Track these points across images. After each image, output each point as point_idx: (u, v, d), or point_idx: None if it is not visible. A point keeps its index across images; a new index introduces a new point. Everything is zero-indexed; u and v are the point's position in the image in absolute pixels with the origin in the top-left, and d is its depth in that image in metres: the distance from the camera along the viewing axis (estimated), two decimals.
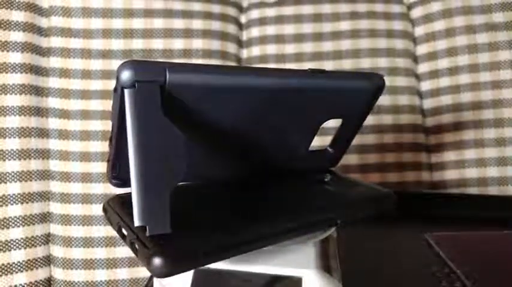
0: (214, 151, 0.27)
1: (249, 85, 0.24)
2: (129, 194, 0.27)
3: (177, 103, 0.22)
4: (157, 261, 0.19)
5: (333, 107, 0.29)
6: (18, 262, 0.51)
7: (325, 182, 0.32)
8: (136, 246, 0.21)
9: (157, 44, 0.58)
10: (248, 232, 0.23)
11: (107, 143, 0.55)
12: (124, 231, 0.23)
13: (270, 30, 0.61)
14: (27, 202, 0.52)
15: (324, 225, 0.27)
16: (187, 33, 0.59)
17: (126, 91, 0.20)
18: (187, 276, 0.25)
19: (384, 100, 0.60)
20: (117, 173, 0.25)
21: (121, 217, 0.24)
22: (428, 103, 0.61)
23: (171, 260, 0.20)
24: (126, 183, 0.26)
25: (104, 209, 0.26)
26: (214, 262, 0.22)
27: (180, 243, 0.21)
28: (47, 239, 0.54)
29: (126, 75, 0.20)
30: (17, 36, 0.54)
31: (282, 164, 0.32)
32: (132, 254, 0.54)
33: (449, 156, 0.59)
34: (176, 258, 0.20)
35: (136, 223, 0.20)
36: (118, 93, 0.21)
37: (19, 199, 0.52)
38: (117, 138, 0.23)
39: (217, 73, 0.23)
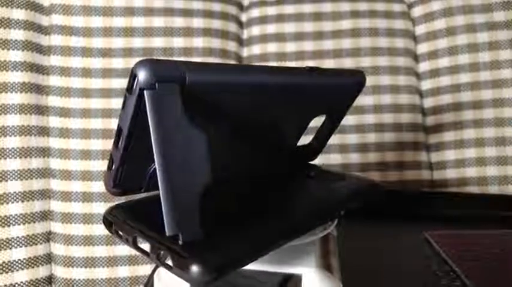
0: (222, 150, 0.27)
1: (261, 82, 0.24)
2: (132, 202, 0.26)
3: (195, 103, 0.21)
4: (197, 269, 0.19)
5: (324, 102, 0.30)
6: (19, 260, 0.51)
7: (314, 177, 0.32)
8: (167, 256, 0.20)
9: (158, 42, 0.58)
10: (275, 230, 0.23)
11: (107, 141, 0.55)
12: (144, 242, 0.21)
13: (271, 28, 0.61)
14: (28, 200, 0.52)
15: (331, 217, 0.28)
16: (188, 32, 0.59)
17: (146, 92, 0.19)
18: None
19: (384, 99, 0.60)
20: (119, 180, 0.24)
21: (135, 228, 0.22)
22: (428, 102, 0.61)
23: (212, 266, 0.19)
24: (128, 191, 0.25)
25: (107, 222, 0.24)
26: (249, 263, 0.21)
27: (215, 248, 0.20)
28: (48, 237, 0.54)
29: (145, 75, 0.19)
30: (18, 34, 0.54)
31: (277, 160, 0.32)
32: (133, 252, 0.54)
33: (450, 155, 0.59)
34: (217, 264, 0.19)
35: (169, 232, 0.19)
36: (134, 95, 0.20)
37: (20, 197, 0.52)
38: (127, 142, 0.22)
39: (231, 72, 0.23)
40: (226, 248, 0.20)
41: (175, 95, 0.20)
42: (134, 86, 0.19)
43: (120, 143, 0.22)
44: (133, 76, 0.19)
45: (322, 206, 0.27)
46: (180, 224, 0.19)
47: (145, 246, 0.22)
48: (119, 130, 0.22)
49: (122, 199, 0.26)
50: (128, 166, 0.23)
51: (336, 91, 0.30)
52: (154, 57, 0.21)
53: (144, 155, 0.23)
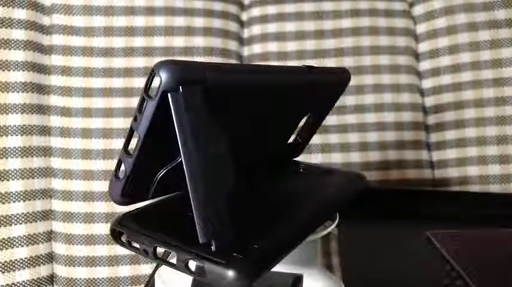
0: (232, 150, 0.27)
1: (272, 82, 0.24)
2: (139, 210, 0.25)
3: (214, 104, 0.21)
4: (235, 275, 0.18)
5: (315, 100, 0.30)
6: (21, 259, 0.51)
7: (304, 173, 0.32)
8: (197, 264, 0.19)
9: (159, 41, 0.58)
10: (293, 228, 0.23)
11: (108, 140, 0.55)
12: (165, 252, 0.21)
13: (271, 27, 0.61)
14: (29, 200, 0.52)
15: (336, 210, 0.28)
16: (189, 31, 0.59)
17: (170, 95, 0.18)
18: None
19: (385, 98, 0.60)
20: (128, 189, 0.22)
21: (154, 238, 0.21)
22: (429, 101, 0.61)
23: (249, 271, 0.19)
24: (136, 200, 0.24)
25: (117, 233, 0.23)
26: (279, 262, 0.21)
27: (248, 251, 0.20)
28: (49, 236, 0.54)
29: (169, 77, 0.18)
30: (19, 34, 0.54)
31: (273, 158, 0.32)
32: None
33: (451, 153, 0.59)
34: (253, 267, 0.19)
35: (202, 239, 0.19)
36: (156, 98, 0.19)
37: (21, 197, 0.52)
38: (142, 148, 0.21)
39: (247, 72, 0.23)
40: (257, 250, 0.20)
41: (199, 97, 0.19)
42: (157, 89, 0.19)
43: (134, 149, 0.21)
44: (153, 78, 0.19)
45: (326, 200, 0.28)
46: (213, 230, 0.19)
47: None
48: (131, 134, 0.21)
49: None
50: (139, 173, 0.22)
51: (328, 89, 0.31)
52: (174, 58, 0.20)
53: (155, 160, 0.22)
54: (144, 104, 0.19)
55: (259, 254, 0.20)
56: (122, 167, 0.22)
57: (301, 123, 0.32)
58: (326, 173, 0.31)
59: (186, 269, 0.20)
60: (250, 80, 0.23)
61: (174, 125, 0.19)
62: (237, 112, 0.24)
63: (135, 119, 0.20)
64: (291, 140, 0.33)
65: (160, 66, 0.19)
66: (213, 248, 0.19)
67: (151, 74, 0.19)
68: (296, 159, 0.34)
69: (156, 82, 0.19)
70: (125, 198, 0.23)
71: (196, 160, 0.19)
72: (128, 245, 0.22)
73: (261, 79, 0.24)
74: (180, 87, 0.18)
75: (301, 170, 0.32)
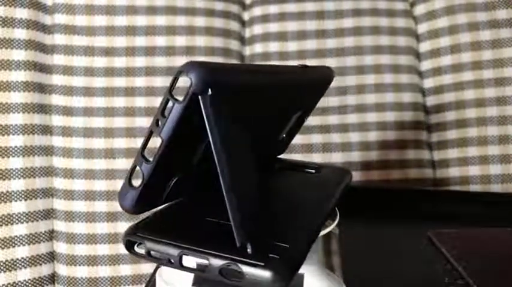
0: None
1: (278, 82, 0.24)
2: (151, 217, 0.24)
3: (238, 105, 0.20)
4: (275, 276, 0.18)
5: (306, 98, 0.31)
6: (22, 258, 0.51)
7: (293, 169, 0.32)
8: (231, 268, 0.19)
9: (160, 41, 0.58)
10: (309, 225, 0.23)
11: (109, 139, 0.56)
12: (194, 260, 0.20)
13: (273, 27, 0.61)
14: (30, 199, 0.52)
15: (333, 207, 0.29)
16: (190, 31, 0.59)
17: (201, 98, 0.18)
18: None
19: (386, 97, 0.60)
20: (143, 197, 0.21)
21: (179, 246, 0.20)
22: (431, 100, 0.61)
23: (286, 270, 0.19)
24: (149, 206, 0.23)
25: (132, 243, 0.22)
26: (306, 257, 0.21)
27: (281, 251, 0.20)
28: (51, 235, 0.54)
29: (199, 79, 0.18)
30: (21, 33, 0.54)
31: (269, 156, 0.32)
32: None
33: (452, 153, 0.58)
34: (288, 267, 0.19)
35: (239, 242, 0.19)
36: (184, 101, 0.18)
37: (23, 196, 0.52)
38: (164, 154, 0.20)
39: (260, 72, 0.23)
40: (288, 250, 0.20)
41: (226, 98, 0.19)
42: (186, 91, 0.18)
43: (155, 154, 0.20)
44: (177, 80, 0.18)
45: (324, 197, 0.28)
46: (248, 232, 0.19)
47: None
48: (149, 139, 0.20)
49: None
50: (156, 179, 0.21)
51: (317, 87, 0.31)
52: (199, 60, 0.20)
53: (172, 165, 0.22)
54: (170, 106, 0.19)
55: (291, 254, 0.20)
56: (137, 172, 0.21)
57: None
58: (314, 169, 0.32)
59: (220, 275, 0.19)
60: (263, 80, 0.23)
61: (196, 128, 0.18)
62: (251, 112, 0.24)
63: (157, 123, 0.19)
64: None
65: (189, 68, 0.18)
66: (249, 250, 0.19)
67: (177, 75, 0.18)
68: (280, 156, 0.34)
69: (180, 84, 0.18)
70: (138, 206, 0.22)
71: (230, 162, 0.18)
72: (147, 255, 0.21)
73: (271, 79, 0.24)
74: (209, 89, 0.18)
75: (290, 166, 0.32)
